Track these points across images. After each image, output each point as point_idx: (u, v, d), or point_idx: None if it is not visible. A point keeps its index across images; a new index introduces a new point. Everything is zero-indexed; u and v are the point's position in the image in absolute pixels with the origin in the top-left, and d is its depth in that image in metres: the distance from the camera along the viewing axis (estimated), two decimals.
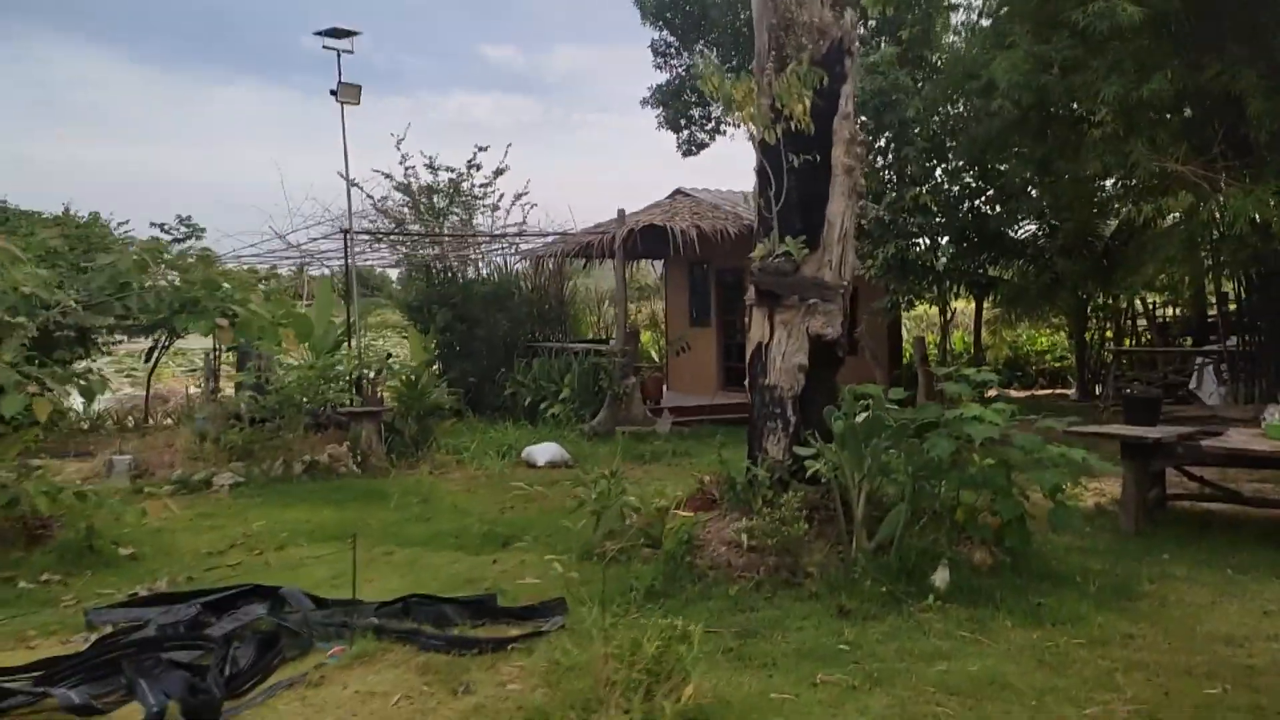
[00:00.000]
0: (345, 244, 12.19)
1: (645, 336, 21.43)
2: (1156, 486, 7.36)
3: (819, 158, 5.73)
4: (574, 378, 14.56)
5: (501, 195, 17.43)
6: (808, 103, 5.39)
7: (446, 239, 15.56)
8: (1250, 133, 9.03)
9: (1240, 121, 9.19)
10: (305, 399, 11.04)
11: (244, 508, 8.43)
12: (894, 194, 10.57)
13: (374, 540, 7.00)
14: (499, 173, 17.39)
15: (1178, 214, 9.83)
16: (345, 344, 12.82)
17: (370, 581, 5.61)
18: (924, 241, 10.85)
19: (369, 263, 17.66)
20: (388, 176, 16.44)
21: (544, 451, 10.83)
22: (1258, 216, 8.76)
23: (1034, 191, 17.19)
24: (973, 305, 20.94)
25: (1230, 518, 7.29)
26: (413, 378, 11.56)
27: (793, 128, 5.56)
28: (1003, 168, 11.28)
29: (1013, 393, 22.69)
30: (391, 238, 15.21)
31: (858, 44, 6.02)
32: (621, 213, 14.42)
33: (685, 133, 22.98)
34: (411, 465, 10.76)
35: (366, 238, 13.84)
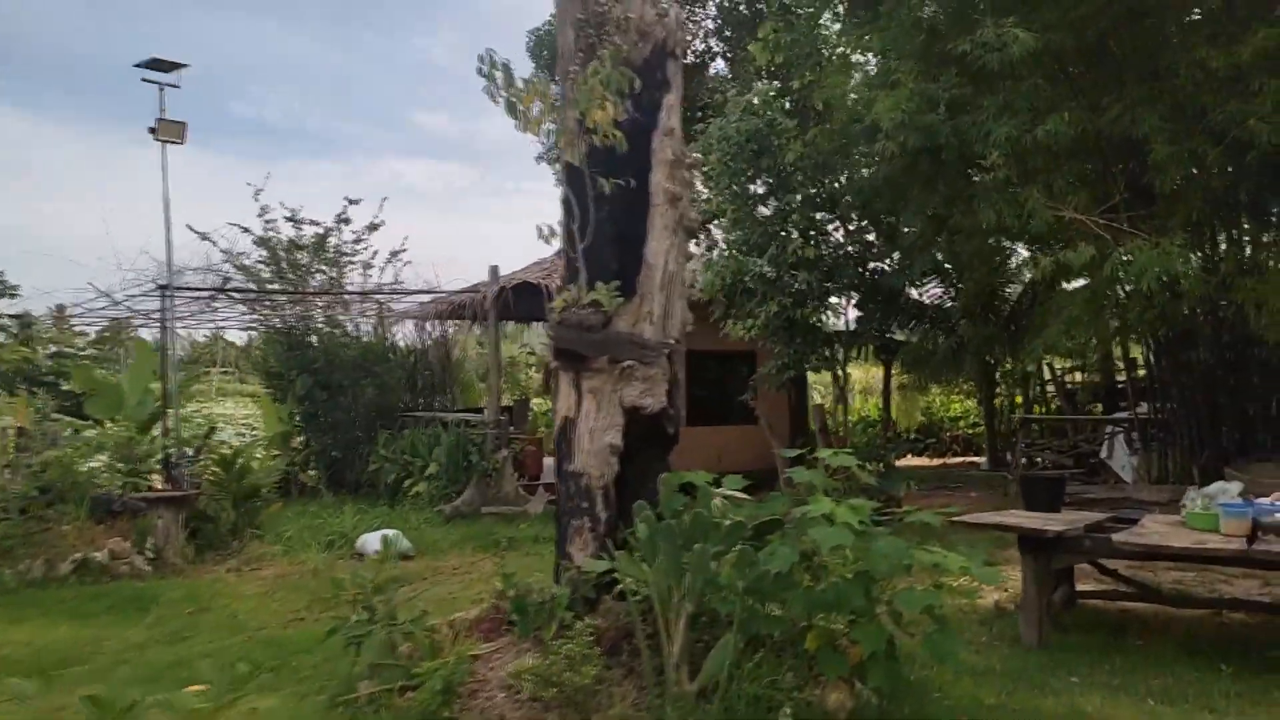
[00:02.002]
0: (163, 302, 10.62)
1: (541, 404, 20.03)
2: (1063, 584, 6.22)
3: (634, 183, 4.54)
4: (442, 451, 13.08)
5: (375, 253, 16.02)
6: (611, 109, 4.20)
7: (283, 298, 14.03)
8: (1154, 180, 8.22)
9: (1143, 168, 8.41)
10: (93, 481, 9.33)
11: None
12: (775, 247, 9.54)
13: (91, 674, 5.41)
14: (373, 228, 15.99)
15: (1084, 275, 9.00)
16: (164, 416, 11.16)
17: None
18: (812, 300, 9.77)
19: (216, 326, 16.00)
20: (245, 230, 14.91)
21: (378, 541, 9.29)
22: (1165, 274, 7.91)
23: (939, 254, 16.59)
24: (880, 371, 20.24)
25: (1149, 620, 6.18)
26: (228, 456, 9.95)
27: (599, 144, 4.37)
28: (893, 220, 10.35)
29: (924, 461, 21.92)
30: (235, 295, 13.62)
31: (684, 47, 4.89)
32: (494, 270, 13.16)
33: None
34: (221, 559, 9.12)
35: (191, 295, 12.24)
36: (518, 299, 12.92)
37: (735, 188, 9.62)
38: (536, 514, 12.09)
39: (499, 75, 4.31)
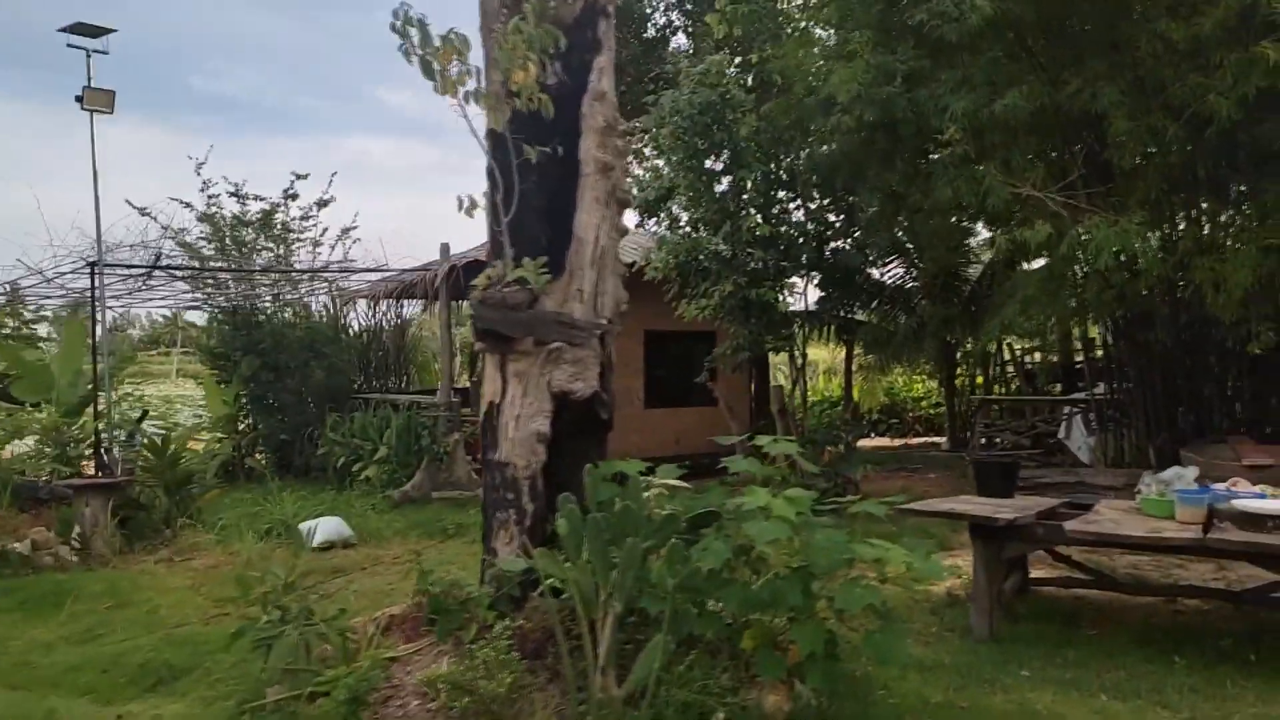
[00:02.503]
0: (92, 280, 10.12)
1: None
2: (1016, 571, 6.05)
3: (561, 150, 4.23)
4: (392, 434, 12.72)
5: (325, 229, 15.51)
6: (534, 70, 3.88)
7: (225, 275, 13.55)
8: (1113, 157, 8.04)
9: (1102, 144, 8.23)
10: (14, 468, 8.90)
11: None
12: (730, 224, 9.26)
13: None
14: (322, 204, 15.48)
15: (1041, 254, 8.84)
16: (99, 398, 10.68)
17: None
18: (769, 280, 9.50)
19: (157, 305, 15.44)
20: (187, 206, 14.35)
21: (319, 529, 8.96)
22: (1122, 252, 7.75)
23: (900, 233, 16.41)
24: (843, 351, 20.09)
25: (1104, 607, 6.03)
26: (159, 441, 9.53)
27: (524, 109, 4.05)
28: (851, 198, 10.09)
29: (886, 442, 21.88)
30: (174, 273, 13.09)
31: (616, 4, 4.57)
32: (445, 248, 12.76)
33: None
34: (152, 550, 8.74)
35: (123, 271, 11.71)
36: (469, 277, 12.51)
37: (690, 162, 9.31)
38: None
39: (414, 32, 3.97)
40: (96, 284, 10.17)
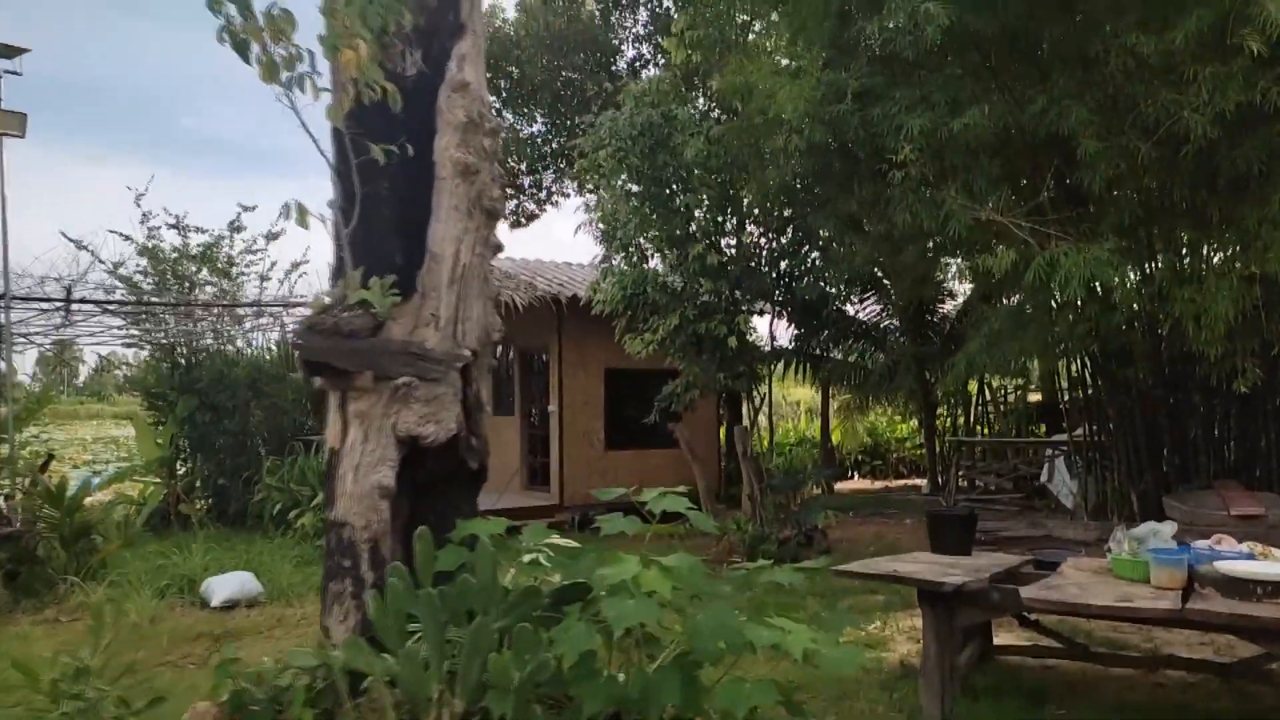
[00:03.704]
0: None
1: None
2: (976, 639, 5.32)
3: (411, 150, 3.57)
4: None
5: (274, 264, 14.86)
6: (366, 49, 3.24)
7: (160, 309, 12.86)
8: (1083, 179, 7.45)
9: (1072, 166, 7.64)
10: None
11: None
12: (676, 253, 8.63)
13: None
14: (271, 237, 14.85)
15: (1005, 284, 8.21)
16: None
17: None
18: (721, 312, 8.84)
19: (87, 341, 14.69)
20: (126, 238, 13.70)
21: (225, 584, 8.17)
22: (1094, 281, 7.14)
23: (876, 268, 15.83)
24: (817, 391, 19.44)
25: (1075, 680, 5.31)
26: (53, 489, 8.76)
27: (368, 100, 3.40)
28: (806, 226, 9.45)
29: (866, 484, 21.13)
30: (107, 306, 12.39)
31: None
32: None
33: (513, 202, 21.03)
34: (41, 607, 7.95)
35: (38, 307, 11.01)
36: None
37: (632, 185, 8.69)
38: None
39: (232, 8, 3.32)
40: (1, 319, 9.46)
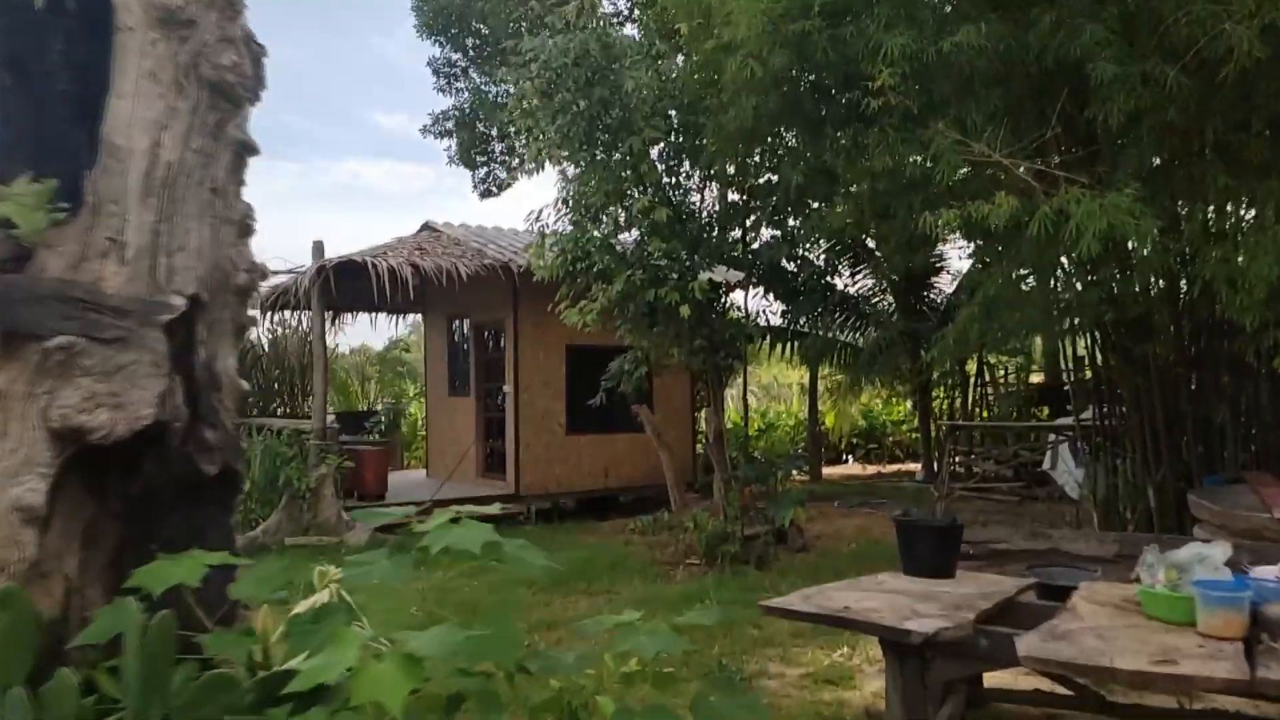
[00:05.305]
0: None
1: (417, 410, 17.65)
2: (959, 690, 4.10)
3: None
4: (256, 468, 10.78)
5: None
6: None
7: None
8: (1097, 115, 6.18)
9: (1083, 99, 6.38)
10: None
11: None
12: (618, 208, 7.38)
13: None
14: None
15: (1003, 237, 6.97)
16: None
17: None
18: (674, 278, 7.59)
19: None
20: None
21: None
22: (1113, 235, 5.87)
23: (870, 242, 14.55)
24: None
25: None
26: None
27: None
28: (773, 175, 8.14)
29: (858, 470, 19.94)
30: None
31: None
32: (318, 246, 10.86)
33: (483, 170, 19.74)
34: None
35: None
36: (343, 281, 10.64)
37: (564, 127, 7.40)
38: (359, 545, 9.84)
39: None
40: None
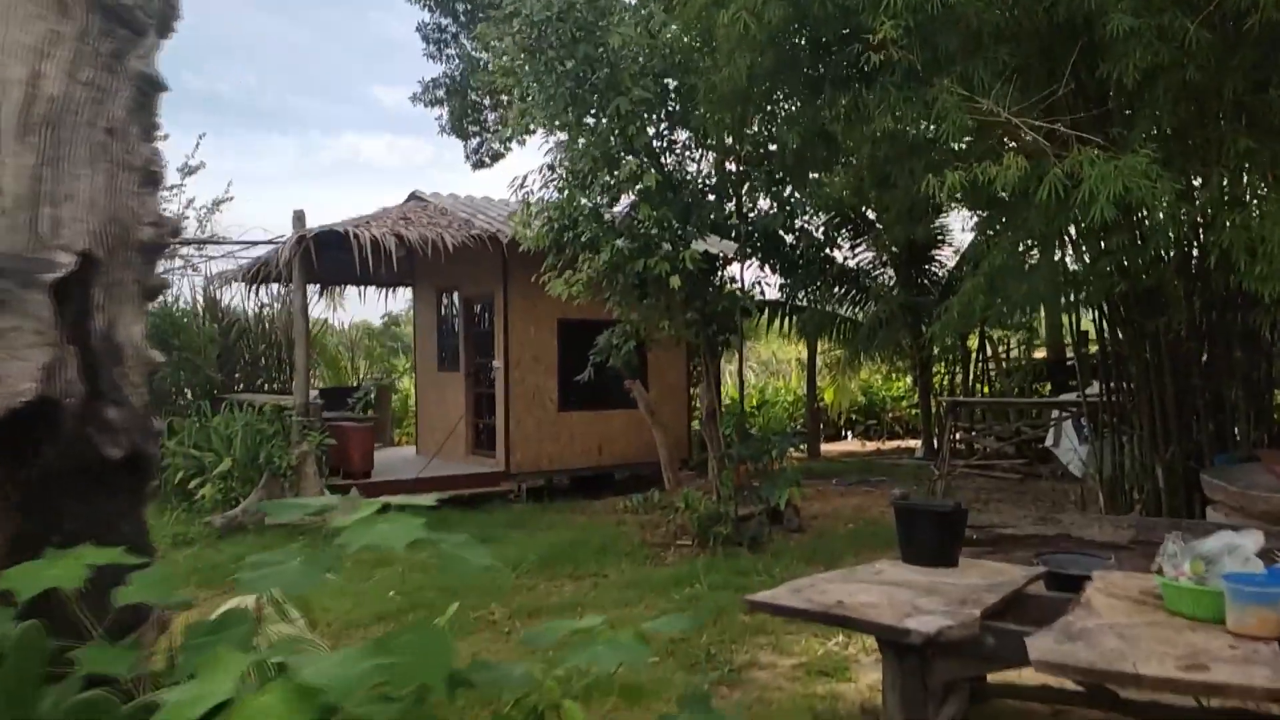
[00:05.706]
0: None
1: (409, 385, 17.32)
2: (961, 689, 3.81)
3: None
4: (238, 444, 10.50)
5: (191, 201, 13.31)
6: None
7: None
8: (1110, 72, 5.81)
9: (1095, 55, 6.01)
10: None
11: None
12: (607, 173, 7.03)
13: None
14: (189, 171, 13.27)
15: (1009, 199, 6.62)
16: None
17: None
18: (665, 247, 7.24)
19: None
20: None
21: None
22: (1128, 199, 5.52)
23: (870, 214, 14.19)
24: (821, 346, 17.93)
25: None
26: None
27: None
28: (769, 140, 7.76)
29: (857, 446, 19.67)
30: None
31: None
32: (299, 216, 10.50)
33: (476, 140, 19.30)
34: None
35: None
36: (323, 251, 10.29)
37: (550, 88, 7.02)
38: (343, 525, 9.57)
39: None
40: None
